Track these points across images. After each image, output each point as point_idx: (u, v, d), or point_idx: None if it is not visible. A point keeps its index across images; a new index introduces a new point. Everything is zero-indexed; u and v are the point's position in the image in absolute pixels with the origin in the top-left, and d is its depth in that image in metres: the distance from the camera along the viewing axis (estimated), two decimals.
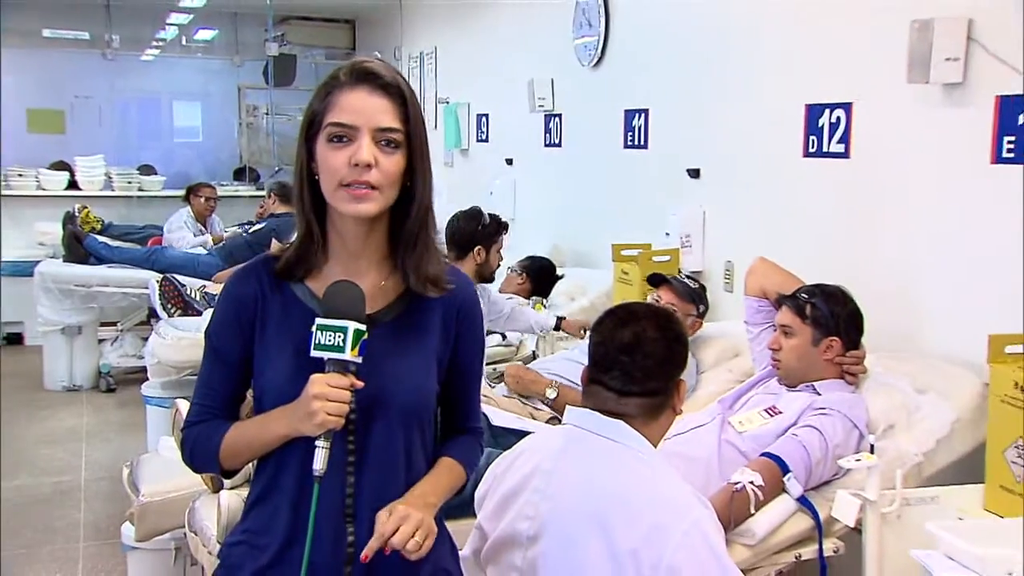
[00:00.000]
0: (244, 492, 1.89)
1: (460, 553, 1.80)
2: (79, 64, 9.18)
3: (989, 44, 2.59)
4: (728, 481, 2.36)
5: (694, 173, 4.00)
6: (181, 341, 4.49)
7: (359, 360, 1.46)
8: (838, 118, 3.16)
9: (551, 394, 3.39)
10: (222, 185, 8.14)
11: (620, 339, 1.86)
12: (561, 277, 4.65)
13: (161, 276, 5.71)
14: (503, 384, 3.55)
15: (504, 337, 4.37)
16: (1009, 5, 2.54)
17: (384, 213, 1.55)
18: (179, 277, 5.73)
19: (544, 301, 4.53)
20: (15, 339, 7.48)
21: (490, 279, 3.84)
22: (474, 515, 2.02)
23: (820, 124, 3.23)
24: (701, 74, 3.98)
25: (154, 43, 9.90)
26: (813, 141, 3.28)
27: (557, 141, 5.36)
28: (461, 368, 1.67)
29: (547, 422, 3.21)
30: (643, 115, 4.41)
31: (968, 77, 2.66)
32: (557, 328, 4.06)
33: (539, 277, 4.61)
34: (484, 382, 3.49)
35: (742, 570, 1.87)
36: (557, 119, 5.33)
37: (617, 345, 1.86)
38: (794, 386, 2.68)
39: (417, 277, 1.57)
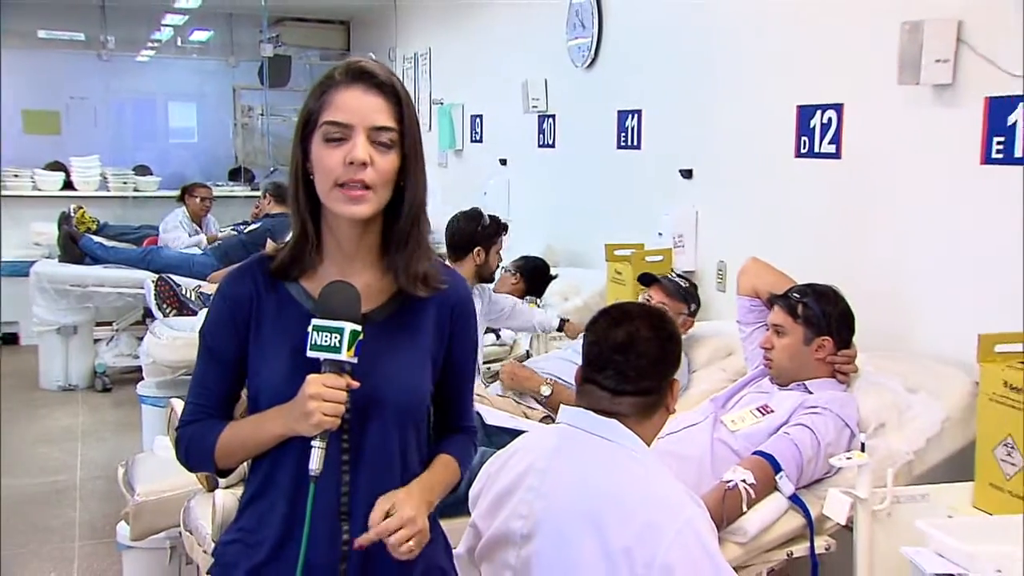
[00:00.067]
0: (239, 491, 1.90)
1: (454, 551, 1.81)
2: (75, 65, 9.19)
3: (978, 46, 2.61)
4: (720, 479, 2.37)
5: (687, 173, 4.01)
6: (176, 341, 4.51)
7: (355, 361, 1.47)
8: (829, 119, 3.17)
9: (545, 391, 3.40)
10: (217, 185, 8.14)
11: (614, 338, 1.88)
12: (555, 277, 4.66)
13: (156, 276, 5.73)
14: (497, 383, 3.56)
15: (498, 336, 4.38)
16: (998, 7, 2.56)
17: (378, 214, 1.55)
18: (174, 277, 5.74)
19: (538, 301, 4.53)
20: (11, 339, 7.46)
21: (490, 280, 3.85)
22: (468, 513, 2.02)
23: (811, 125, 3.25)
24: (694, 75, 3.99)
25: (149, 44, 9.91)
26: (805, 142, 3.30)
27: (551, 142, 5.37)
28: (455, 367, 1.67)
29: (541, 421, 3.22)
30: (636, 116, 4.42)
31: (958, 78, 2.67)
32: (560, 329, 4.08)
33: (533, 277, 4.61)
34: (478, 381, 3.51)
35: (734, 568, 1.88)
36: (551, 120, 5.34)
37: (611, 344, 1.87)
38: (786, 385, 2.69)
39: (407, 276, 1.58)
